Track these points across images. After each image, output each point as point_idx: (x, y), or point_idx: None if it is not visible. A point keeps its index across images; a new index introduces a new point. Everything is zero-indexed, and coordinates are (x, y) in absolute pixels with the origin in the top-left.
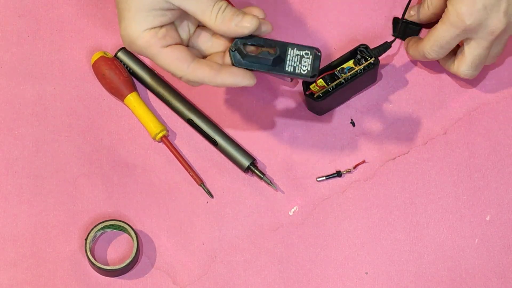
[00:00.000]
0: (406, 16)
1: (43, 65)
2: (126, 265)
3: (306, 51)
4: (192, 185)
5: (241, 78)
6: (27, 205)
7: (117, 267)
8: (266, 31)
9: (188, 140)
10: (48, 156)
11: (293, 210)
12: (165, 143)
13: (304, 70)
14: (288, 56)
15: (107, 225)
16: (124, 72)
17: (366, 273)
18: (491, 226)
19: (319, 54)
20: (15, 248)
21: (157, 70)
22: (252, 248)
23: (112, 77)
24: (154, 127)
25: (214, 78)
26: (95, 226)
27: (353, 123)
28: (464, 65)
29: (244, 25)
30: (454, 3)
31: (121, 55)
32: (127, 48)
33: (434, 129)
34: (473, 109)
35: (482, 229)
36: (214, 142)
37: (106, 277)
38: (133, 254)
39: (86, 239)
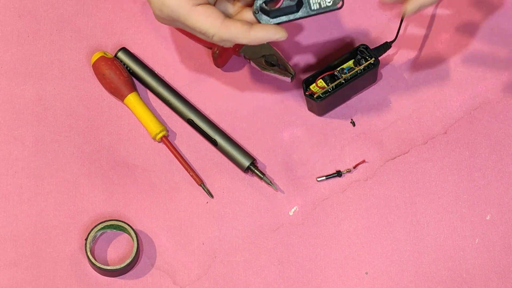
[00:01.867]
0: None
1: (43, 65)
2: (126, 265)
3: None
4: (192, 185)
5: (273, 31)
6: (27, 205)
7: (117, 267)
8: None
9: (188, 140)
10: (48, 156)
11: (293, 210)
12: (165, 143)
13: (329, 2)
14: None
15: (107, 225)
16: (124, 72)
17: (366, 273)
18: (491, 226)
19: None
20: (15, 248)
21: (157, 70)
22: (252, 248)
23: (112, 77)
24: (154, 127)
25: (248, 33)
26: (95, 226)
27: (353, 123)
28: None
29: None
30: None
31: (121, 55)
32: (157, 12)
33: (434, 128)
34: (474, 109)
35: (483, 229)
36: (214, 142)
37: (106, 277)
38: (133, 254)
39: (86, 239)
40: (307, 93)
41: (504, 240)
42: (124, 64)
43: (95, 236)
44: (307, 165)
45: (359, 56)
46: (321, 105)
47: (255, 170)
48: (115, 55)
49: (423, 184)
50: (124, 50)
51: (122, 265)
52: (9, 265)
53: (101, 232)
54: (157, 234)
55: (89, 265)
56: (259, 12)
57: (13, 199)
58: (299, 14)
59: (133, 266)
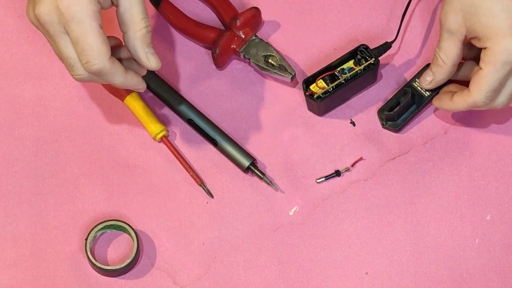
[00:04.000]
0: (421, 85)
1: (43, 65)
2: (126, 265)
3: (423, 72)
4: (192, 185)
5: (136, 82)
6: (27, 205)
7: (117, 267)
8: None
9: (188, 140)
10: (48, 156)
11: (293, 210)
12: (165, 143)
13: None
14: (418, 87)
15: (107, 225)
16: None
17: (366, 273)
18: (491, 225)
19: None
20: (15, 248)
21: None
22: (252, 248)
23: None
24: (154, 127)
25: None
26: (95, 226)
27: (353, 123)
28: (480, 90)
29: (152, 61)
30: (497, 41)
31: None
32: (64, 14)
33: (434, 128)
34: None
35: (483, 229)
36: (214, 142)
37: (106, 277)
38: (133, 254)
39: (86, 239)
40: (307, 93)
41: (504, 240)
42: None
43: (95, 236)
44: (307, 165)
45: (359, 56)
46: (321, 105)
47: (255, 170)
48: None
49: (423, 184)
50: None
51: (122, 265)
52: (9, 265)
53: (101, 232)
54: (157, 234)
55: (89, 265)
56: (387, 123)
57: (13, 199)
58: (418, 106)
59: (133, 266)
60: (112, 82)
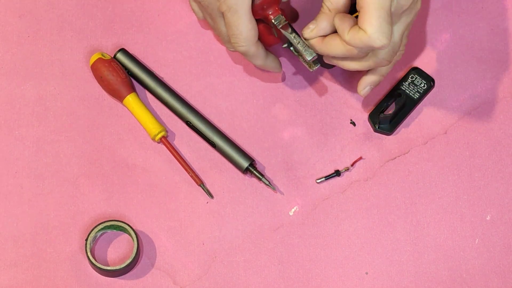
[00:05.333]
0: (304, 36)
1: (43, 65)
2: (126, 266)
3: (410, 75)
4: (192, 185)
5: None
6: (27, 205)
7: (118, 267)
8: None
9: (188, 141)
10: (48, 156)
11: (293, 210)
12: (164, 144)
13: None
14: (406, 90)
15: (107, 226)
16: (122, 74)
17: (366, 273)
18: (491, 226)
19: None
20: (16, 248)
21: (156, 71)
22: (252, 248)
23: (110, 78)
24: (153, 128)
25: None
26: (95, 227)
27: (353, 123)
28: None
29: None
30: None
31: (120, 56)
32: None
33: (434, 128)
34: (474, 109)
35: (483, 229)
36: (212, 144)
37: (107, 278)
38: (133, 255)
39: (86, 240)
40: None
41: (504, 240)
42: (123, 65)
43: (95, 237)
44: (307, 165)
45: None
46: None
47: (254, 171)
48: (114, 56)
49: (423, 184)
50: (123, 51)
51: (122, 266)
52: (9, 266)
53: (101, 232)
54: (157, 234)
55: (89, 265)
56: (382, 125)
57: (13, 199)
58: (411, 107)
59: (133, 266)
60: (253, 63)
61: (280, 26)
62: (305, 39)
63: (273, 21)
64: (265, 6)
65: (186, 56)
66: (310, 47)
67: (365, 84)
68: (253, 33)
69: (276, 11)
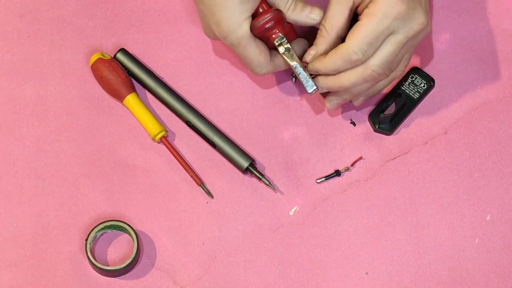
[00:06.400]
0: (305, 59)
1: (43, 65)
2: (126, 266)
3: (410, 75)
4: (192, 185)
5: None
6: (27, 206)
7: (118, 267)
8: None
9: (188, 141)
10: (48, 156)
11: (293, 210)
12: (164, 144)
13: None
14: (406, 90)
15: (107, 226)
16: (122, 74)
17: (366, 273)
18: (491, 226)
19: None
20: (16, 248)
21: (156, 71)
22: (252, 248)
23: (110, 78)
24: (153, 128)
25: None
26: (95, 227)
27: (353, 123)
28: (375, 59)
29: (312, 16)
30: None
31: (120, 56)
32: (223, 39)
33: (434, 128)
34: (474, 109)
35: (483, 229)
36: (212, 144)
37: (107, 278)
38: (133, 255)
39: (86, 240)
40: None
41: (504, 240)
42: (123, 65)
43: (95, 237)
44: (307, 165)
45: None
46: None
47: (254, 171)
48: (114, 56)
49: (423, 184)
50: (123, 51)
51: (123, 266)
52: (9, 266)
53: (102, 232)
54: (157, 234)
55: (89, 265)
56: (383, 125)
57: (13, 199)
58: (411, 107)
59: (133, 266)
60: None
61: (283, 52)
62: (306, 63)
63: (275, 42)
64: (267, 26)
65: (186, 56)
66: (311, 78)
67: (333, 98)
68: (263, 57)
69: (276, 33)
